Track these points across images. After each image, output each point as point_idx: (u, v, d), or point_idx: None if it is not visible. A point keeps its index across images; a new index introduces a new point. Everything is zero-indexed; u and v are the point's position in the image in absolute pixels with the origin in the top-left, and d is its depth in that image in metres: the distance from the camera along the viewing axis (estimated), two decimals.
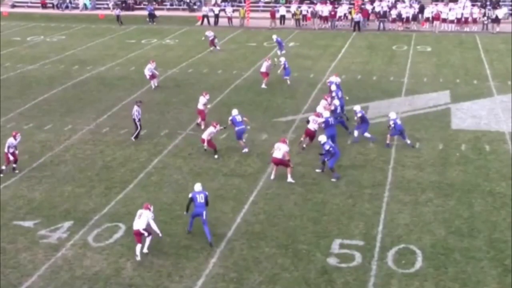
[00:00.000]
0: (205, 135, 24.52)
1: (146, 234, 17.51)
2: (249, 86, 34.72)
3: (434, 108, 30.51)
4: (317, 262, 17.10)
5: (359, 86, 34.06)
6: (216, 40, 45.33)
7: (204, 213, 18.29)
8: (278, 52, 42.48)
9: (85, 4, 67.01)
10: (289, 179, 22.36)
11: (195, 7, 63.64)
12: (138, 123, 26.57)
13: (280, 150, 22.39)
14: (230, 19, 56.53)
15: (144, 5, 65.24)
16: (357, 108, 26.46)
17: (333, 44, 46.73)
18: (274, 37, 44.00)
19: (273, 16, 55.06)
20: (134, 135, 26.66)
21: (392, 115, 25.62)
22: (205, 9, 58.55)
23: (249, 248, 17.93)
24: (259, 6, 62.63)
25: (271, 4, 61.59)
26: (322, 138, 23.10)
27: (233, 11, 57.85)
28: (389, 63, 40.14)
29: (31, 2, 68.65)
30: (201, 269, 16.88)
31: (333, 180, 22.44)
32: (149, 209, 17.81)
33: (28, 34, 52.33)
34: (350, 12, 54.90)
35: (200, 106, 28.27)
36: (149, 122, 28.76)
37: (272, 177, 22.70)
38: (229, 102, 31.55)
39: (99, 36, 51.55)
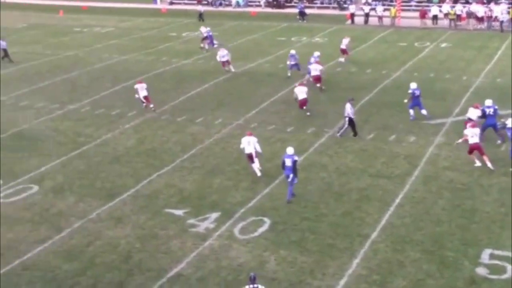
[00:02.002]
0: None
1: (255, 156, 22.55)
2: (398, 86, 34.07)
3: None
4: (465, 271, 16.49)
5: None
6: (211, 41, 45.76)
7: (291, 176, 20.52)
8: (206, 46, 45.25)
9: (237, 2, 68.70)
10: (490, 166, 22.69)
11: (345, 5, 63.37)
12: (346, 120, 26.31)
13: (476, 136, 22.85)
14: (380, 18, 55.82)
15: (295, 3, 65.88)
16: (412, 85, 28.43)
17: (489, 46, 44.81)
18: (203, 29, 45.95)
19: (423, 16, 53.75)
20: (351, 132, 26.63)
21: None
22: (352, 7, 58.22)
23: (393, 251, 17.64)
24: (410, 6, 61.33)
25: (423, 3, 60.11)
26: (509, 121, 23.61)
27: (384, 10, 57.03)
28: None
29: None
30: (344, 268, 16.82)
31: None
32: (252, 135, 23.01)
33: (183, 30, 54.46)
34: (508, 12, 52.41)
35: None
36: (296, 119, 29.05)
37: (477, 164, 23.02)
38: (377, 102, 31.19)
39: (250, 33, 52.69)
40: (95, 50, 46.77)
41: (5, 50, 42.86)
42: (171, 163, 24.48)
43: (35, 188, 22.49)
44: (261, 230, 19.06)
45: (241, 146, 23.14)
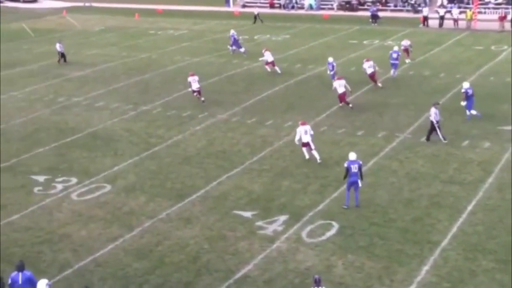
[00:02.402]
0: None
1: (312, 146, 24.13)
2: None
3: None
4: None
5: None
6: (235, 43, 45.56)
7: (359, 181, 20.17)
8: (229, 48, 45.90)
9: (310, 5, 68.60)
10: None
11: (419, 8, 62.32)
12: (436, 125, 25.76)
13: None
14: (456, 21, 54.68)
15: (367, 6, 65.30)
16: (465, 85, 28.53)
17: None
18: (232, 32, 46.23)
19: (502, 19, 52.36)
20: (427, 136, 26.10)
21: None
22: (426, 10, 57.24)
23: (464, 259, 17.22)
24: (488, 8, 59.82)
25: (502, 6, 58.53)
26: None
27: (460, 12, 55.81)
28: None
29: (260, 2, 71.66)
30: (413, 275, 16.53)
31: None
32: (306, 123, 24.62)
33: (255, 33, 54.73)
34: None
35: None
36: (366, 123, 28.77)
37: None
38: (450, 107, 30.47)
39: (322, 35, 52.50)
40: (168, 52, 47.56)
41: (61, 53, 43.96)
42: (240, 165, 24.64)
43: (108, 187, 23.04)
44: (329, 234, 18.95)
45: (297, 136, 24.41)
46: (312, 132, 24.40)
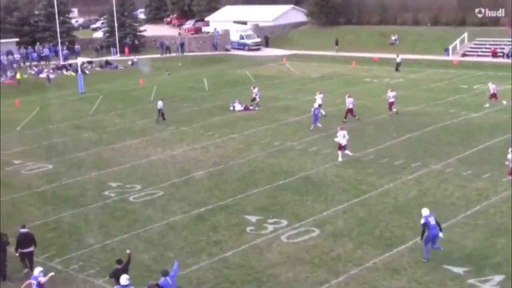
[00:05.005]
0: None
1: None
2: None
3: None
4: None
5: None
6: None
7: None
8: None
9: None
10: None
11: None
12: None
13: None
14: None
15: None
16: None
17: None
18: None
19: None
20: None
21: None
22: None
23: None
24: None
25: None
26: None
27: None
28: None
29: (481, 51, 69.23)
30: None
31: None
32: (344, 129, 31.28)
33: (475, 82, 52.87)
34: None
35: None
36: None
37: None
38: None
39: None
40: (382, 100, 47.28)
41: (160, 110, 43.17)
42: (453, 218, 23.75)
43: (317, 231, 23.32)
44: None
45: (337, 139, 31.25)
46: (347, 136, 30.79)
